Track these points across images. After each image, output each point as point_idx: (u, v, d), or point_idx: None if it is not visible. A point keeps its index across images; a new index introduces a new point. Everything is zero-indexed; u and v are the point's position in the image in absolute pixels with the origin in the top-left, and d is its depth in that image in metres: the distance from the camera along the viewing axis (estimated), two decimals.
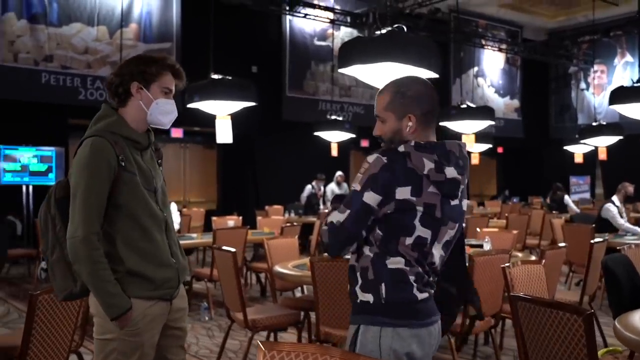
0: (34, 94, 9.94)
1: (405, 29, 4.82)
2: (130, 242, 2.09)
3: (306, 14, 12.03)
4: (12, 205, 9.71)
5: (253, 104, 6.66)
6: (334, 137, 10.78)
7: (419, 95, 1.82)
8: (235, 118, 11.80)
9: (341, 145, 11.91)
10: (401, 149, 1.75)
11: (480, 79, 16.80)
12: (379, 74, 4.71)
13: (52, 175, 9.89)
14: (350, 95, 13.73)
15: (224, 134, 7.17)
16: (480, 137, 12.21)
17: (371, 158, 1.74)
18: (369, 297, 1.76)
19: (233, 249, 3.83)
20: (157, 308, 2.13)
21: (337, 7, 12.98)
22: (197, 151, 13.16)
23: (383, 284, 1.74)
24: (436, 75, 4.81)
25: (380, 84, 4.97)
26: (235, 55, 11.74)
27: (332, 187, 11.78)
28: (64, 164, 9.94)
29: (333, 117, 10.83)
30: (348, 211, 1.74)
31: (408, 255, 1.76)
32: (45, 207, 2.13)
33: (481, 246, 4.51)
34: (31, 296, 2.44)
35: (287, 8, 11.77)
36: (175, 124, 11.19)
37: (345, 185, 12.20)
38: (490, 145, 13.23)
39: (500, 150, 17.29)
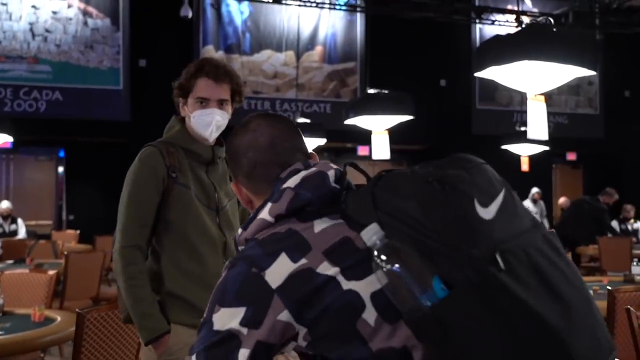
0: (232, 119, 10.69)
1: (552, 22, 4.14)
2: (175, 262, 1.95)
3: (494, 21, 11.29)
4: None
5: (410, 117, 6.33)
6: (524, 151, 9.84)
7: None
8: (425, 133, 11.59)
9: (538, 158, 10.84)
10: None
11: None
12: (519, 76, 4.09)
13: None
14: (550, 104, 12.49)
15: (381, 149, 6.93)
16: None
17: None
18: None
19: None
20: None
21: (535, 9, 11.98)
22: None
23: None
24: (593, 73, 4.05)
25: (522, 87, 4.35)
26: (422, 70, 11.47)
27: (527, 205, 10.78)
28: None
29: (522, 128, 9.92)
30: None
31: None
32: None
33: (631, 279, 3.62)
34: (78, 315, 2.46)
35: (474, 16, 11.16)
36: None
37: (542, 203, 11.09)
38: None
39: None
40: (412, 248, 0.93)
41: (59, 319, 3.02)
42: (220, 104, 2.04)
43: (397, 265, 0.92)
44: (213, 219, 2.02)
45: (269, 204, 1.10)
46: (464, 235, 0.92)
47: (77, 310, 2.47)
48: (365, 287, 0.99)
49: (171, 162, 1.97)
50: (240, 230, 1.13)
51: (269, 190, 1.13)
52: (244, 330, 0.99)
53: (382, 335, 0.98)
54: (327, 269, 1.00)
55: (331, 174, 1.12)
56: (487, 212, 0.95)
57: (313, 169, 1.12)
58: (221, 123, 2.05)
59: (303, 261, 1.01)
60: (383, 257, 0.93)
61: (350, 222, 1.05)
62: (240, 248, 1.12)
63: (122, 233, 1.93)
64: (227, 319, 1.00)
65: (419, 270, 0.91)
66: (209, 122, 2.01)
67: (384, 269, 0.93)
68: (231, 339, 0.99)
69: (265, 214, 1.09)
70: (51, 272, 3.78)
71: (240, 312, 1.00)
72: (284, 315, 0.99)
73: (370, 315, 0.99)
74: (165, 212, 1.96)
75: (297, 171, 1.12)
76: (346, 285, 0.99)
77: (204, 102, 2.01)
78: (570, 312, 0.91)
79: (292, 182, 1.10)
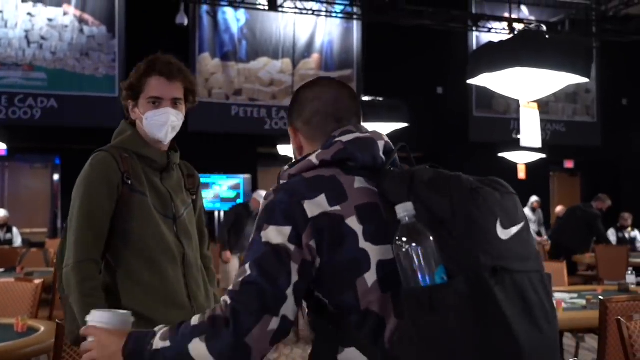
0: (225, 125, 10.69)
1: (544, 29, 4.12)
2: (133, 276, 1.82)
3: (491, 28, 11.27)
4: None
5: (404, 125, 6.30)
6: (521, 158, 9.80)
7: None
8: (422, 141, 11.53)
9: (536, 166, 10.80)
10: None
11: None
12: (511, 83, 4.06)
13: (240, 202, 10.48)
14: (548, 112, 12.49)
15: None
16: None
17: None
18: None
19: None
20: None
21: (532, 17, 11.97)
22: None
23: None
24: (586, 80, 4.03)
25: (515, 94, 4.32)
26: (419, 77, 11.44)
27: (526, 213, 10.71)
28: (251, 190, 10.50)
29: (519, 136, 9.90)
30: None
31: None
32: (62, 239, 1.95)
33: (626, 288, 3.56)
34: (58, 325, 2.41)
35: (470, 24, 11.15)
36: None
37: (540, 212, 11.04)
38: None
39: None
40: (430, 235, 1.05)
41: (42, 329, 2.95)
42: (174, 103, 1.91)
43: (414, 245, 1.03)
44: (170, 228, 1.91)
45: (319, 151, 1.23)
46: (477, 242, 1.04)
47: (56, 321, 2.41)
48: (376, 252, 1.13)
49: (126, 168, 1.84)
50: (285, 167, 1.26)
51: (321, 140, 1.27)
52: (292, 247, 1.12)
53: (372, 298, 1.12)
54: (353, 223, 1.14)
55: (381, 144, 1.24)
56: (505, 234, 1.08)
57: (367, 134, 1.24)
58: (176, 124, 1.93)
59: (337, 208, 1.15)
60: (404, 235, 1.04)
61: (382, 195, 1.17)
62: (281, 182, 1.24)
63: (75, 247, 1.78)
64: (276, 235, 1.13)
65: (429, 256, 1.03)
66: (163, 122, 1.89)
67: (403, 248, 1.04)
68: (281, 252, 1.11)
69: (313, 157, 1.23)
70: (37, 281, 3.72)
71: (287, 230, 1.13)
72: (313, 243, 1.13)
73: (370, 277, 1.12)
74: (122, 222, 1.83)
75: (350, 132, 1.24)
76: (362, 244, 1.13)
77: (156, 102, 1.88)
78: (542, 341, 1.03)
79: (344, 138, 1.23)
